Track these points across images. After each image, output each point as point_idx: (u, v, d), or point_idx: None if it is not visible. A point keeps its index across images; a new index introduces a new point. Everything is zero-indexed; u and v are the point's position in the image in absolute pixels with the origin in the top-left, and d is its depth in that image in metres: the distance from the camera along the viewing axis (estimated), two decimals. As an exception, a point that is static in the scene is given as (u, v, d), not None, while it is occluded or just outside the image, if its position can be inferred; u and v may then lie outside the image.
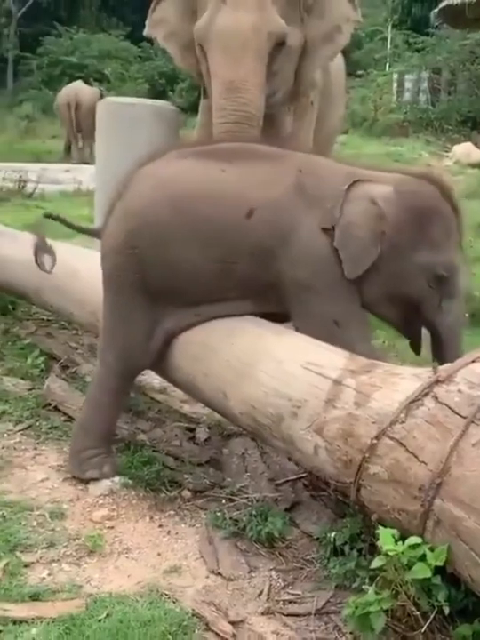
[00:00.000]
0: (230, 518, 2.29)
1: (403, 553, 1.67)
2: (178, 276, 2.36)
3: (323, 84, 4.35)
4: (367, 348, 2.31)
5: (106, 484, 2.47)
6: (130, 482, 2.49)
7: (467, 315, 4.24)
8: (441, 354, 2.36)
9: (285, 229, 2.29)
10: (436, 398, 1.82)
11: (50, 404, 3.00)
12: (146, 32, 4.19)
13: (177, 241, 2.33)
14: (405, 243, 2.25)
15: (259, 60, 3.54)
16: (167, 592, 1.99)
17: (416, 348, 2.51)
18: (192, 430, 2.92)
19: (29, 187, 8.89)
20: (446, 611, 1.68)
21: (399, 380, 1.97)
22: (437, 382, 1.85)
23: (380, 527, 1.74)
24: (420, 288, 2.30)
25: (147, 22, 4.17)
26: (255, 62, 3.53)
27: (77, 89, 14.04)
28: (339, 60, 4.97)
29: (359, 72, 22.73)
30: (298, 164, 2.38)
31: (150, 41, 4.48)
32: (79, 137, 13.66)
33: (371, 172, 2.40)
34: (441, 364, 1.99)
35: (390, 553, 1.65)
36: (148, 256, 2.35)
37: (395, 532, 1.73)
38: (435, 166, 15.09)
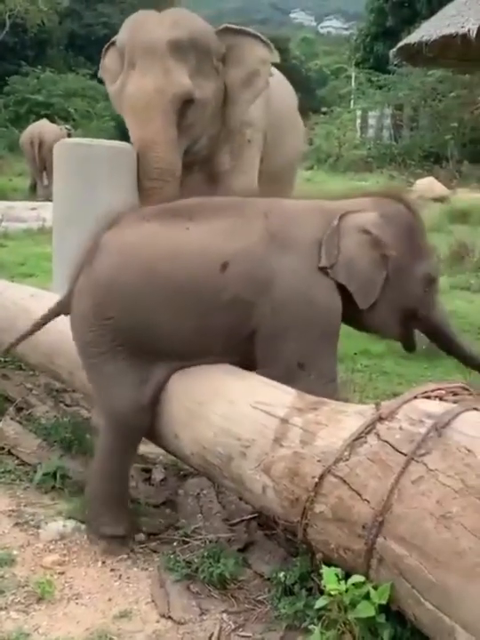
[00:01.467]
0: (183, 560, 2.27)
1: (346, 592, 1.68)
2: (158, 338, 2.29)
3: (268, 119, 4.58)
4: (329, 388, 2.32)
5: (57, 528, 2.44)
6: (82, 526, 2.47)
7: (423, 347, 4.33)
8: (450, 342, 2.68)
9: (263, 278, 2.27)
10: (378, 435, 1.84)
11: (3, 448, 2.96)
12: (99, 74, 4.53)
13: (151, 305, 2.27)
14: (404, 260, 2.41)
15: (165, 120, 3.86)
16: (116, 638, 1.97)
17: (411, 346, 2.71)
18: (148, 471, 2.91)
19: (-8, 225, 8.88)
20: (392, 649, 1.68)
21: (344, 418, 1.99)
22: (380, 419, 1.88)
23: (324, 567, 1.75)
24: (419, 294, 2.50)
25: (100, 65, 4.48)
26: (162, 122, 3.86)
27: (41, 127, 14.11)
28: (286, 93, 5.21)
29: (323, 109, 23.24)
30: (263, 210, 2.39)
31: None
32: (44, 175, 13.69)
33: (338, 202, 2.49)
34: (456, 350, 2.66)
35: (333, 592, 1.66)
36: (124, 324, 2.28)
37: (339, 571, 1.74)
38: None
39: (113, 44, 4.35)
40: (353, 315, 2.42)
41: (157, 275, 2.27)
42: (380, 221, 2.38)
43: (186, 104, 3.94)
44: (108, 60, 4.39)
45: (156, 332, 2.29)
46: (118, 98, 4.11)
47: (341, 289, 2.34)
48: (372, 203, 2.48)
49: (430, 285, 2.53)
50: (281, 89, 5.08)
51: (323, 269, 2.31)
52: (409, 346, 2.70)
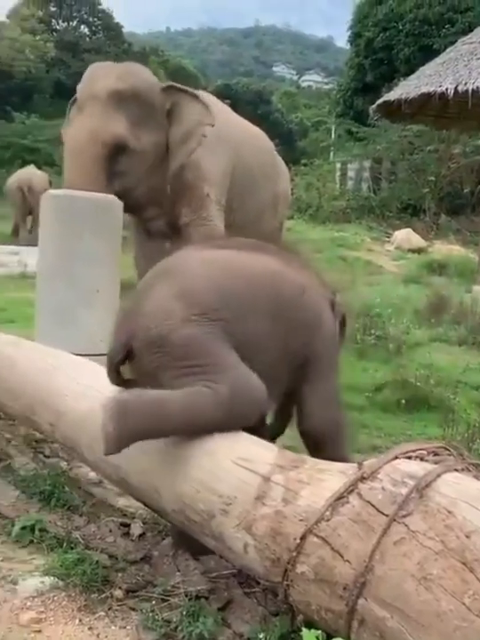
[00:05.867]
0: (162, 619, 2.24)
1: (327, 655, 1.67)
2: (247, 350, 2.32)
3: (237, 172, 4.82)
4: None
5: (35, 584, 2.40)
6: (60, 583, 2.43)
7: (402, 401, 4.38)
8: None
9: (320, 312, 2.57)
10: (360, 496, 1.86)
11: (-19, 500, 2.93)
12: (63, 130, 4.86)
13: (253, 313, 2.36)
14: None
15: (93, 164, 4.16)
16: None
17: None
18: (127, 525, 2.88)
19: (-26, 270, 8.88)
20: None
21: (326, 477, 2.00)
22: (362, 479, 1.90)
23: (304, 629, 1.75)
24: None
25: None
26: (89, 165, 4.15)
27: (30, 173, 14.33)
28: (258, 147, 5.43)
29: (304, 161, 23.66)
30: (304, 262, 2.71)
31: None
32: (28, 220, 13.79)
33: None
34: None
35: (314, 656, 1.65)
36: (234, 328, 2.30)
37: (319, 633, 1.73)
38: (376, 251, 15.61)
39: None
40: None
41: (259, 285, 2.41)
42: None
43: (119, 151, 4.25)
44: (72, 112, 4.73)
45: (250, 343, 2.34)
46: (63, 138, 4.43)
47: None
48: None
49: None
50: (253, 142, 5.35)
51: None
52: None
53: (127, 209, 4.32)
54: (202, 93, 5.88)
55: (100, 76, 4.39)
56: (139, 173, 4.39)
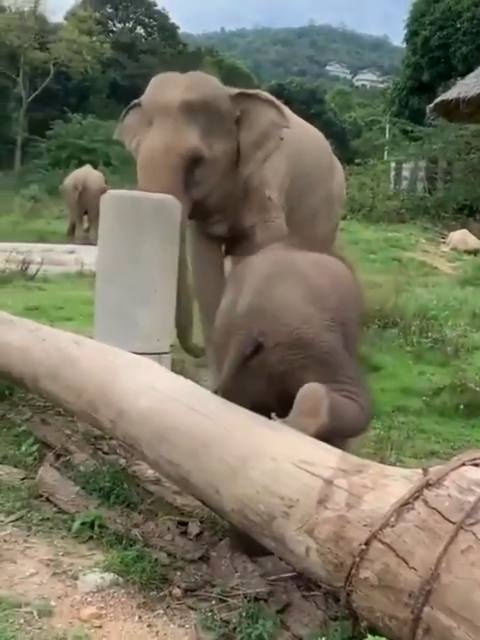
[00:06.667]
0: (220, 619, 2.24)
1: (392, 663, 1.65)
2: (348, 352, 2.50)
3: (296, 172, 4.83)
4: None
5: (95, 580, 2.43)
6: (120, 579, 2.45)
7: (461, 406, 4.30)
8: None
9: None
10: (425, 502, 1.83)
11: (41, 495, 2.97)
12: (115, 135, 4.88)
13: (355, 316, 2.58)
14: None
15: (171, 175, 4.18)
16: None
17: None
18: (184, 524, 2.89)
19: (32, 268, 9.04)
20: None
21: (391, 482, 1.98)
22: (428, 485, 1.87)
23: (370, 636, 1.73)
24: None
25: (117, 128, 4.81)
26: (167, 177, 4.17)
27: (86, 173, 14.54)
28: (316, 147, 5.44)
29: (357, 160, 23.45)
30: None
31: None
32: (84, 219, 14.00)
33: None
34: None
35: (379, 663, 1.63)
36: (344, 330, 2.48)
37: (384, 639, 1.71)
38: (431, 252, 15.40)
39: (137, 104, 4.67)
40: None
41: (350, 287, 2.61)
42: None
43: (194, 162, 4.27)
44: (130, 119, 4.74)
45: (352, 342, 2.53)
46: (135, 153, 4.47)
47: None
48: None
49: None
50: (312, 142, 5.36)
51: None
52: None
53: (199, 216, 4.40)
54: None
55: (169, 88, 4.39)
56: (212, 182, 4.42)
